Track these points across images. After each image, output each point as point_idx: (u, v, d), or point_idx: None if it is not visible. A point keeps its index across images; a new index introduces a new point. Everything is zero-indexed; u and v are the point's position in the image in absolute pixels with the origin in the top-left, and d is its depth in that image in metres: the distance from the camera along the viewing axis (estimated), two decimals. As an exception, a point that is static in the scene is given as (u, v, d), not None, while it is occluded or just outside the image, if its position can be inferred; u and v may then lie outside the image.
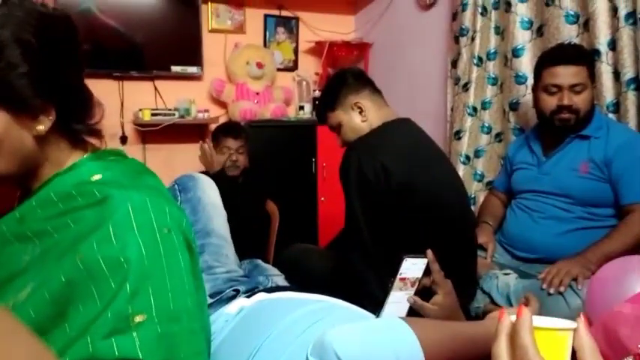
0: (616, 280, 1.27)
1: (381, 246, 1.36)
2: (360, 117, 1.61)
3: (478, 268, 1.76)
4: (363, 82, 1.66)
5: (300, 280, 1.56)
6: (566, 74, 1.76)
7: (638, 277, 1.24)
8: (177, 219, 0.82)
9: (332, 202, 3.03)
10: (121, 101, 2.94)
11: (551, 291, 1.53)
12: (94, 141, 0.89)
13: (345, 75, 1.68)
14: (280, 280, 1.49)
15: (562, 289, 1.53)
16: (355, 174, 1.41)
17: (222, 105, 3.17)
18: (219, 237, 1.34)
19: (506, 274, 1.76)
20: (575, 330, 0.50)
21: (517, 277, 1.72)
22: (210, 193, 1.41)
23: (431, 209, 1.42)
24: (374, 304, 1.19)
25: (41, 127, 0.78)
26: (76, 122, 0.83)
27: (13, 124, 0.76)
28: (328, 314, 0.99)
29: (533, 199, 1.89)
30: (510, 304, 1.61)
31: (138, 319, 0.70)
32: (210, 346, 0.88)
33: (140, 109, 2.86)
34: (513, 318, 0.51)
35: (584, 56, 1.81)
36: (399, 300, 1.08)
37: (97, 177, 0.82)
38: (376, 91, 1.67)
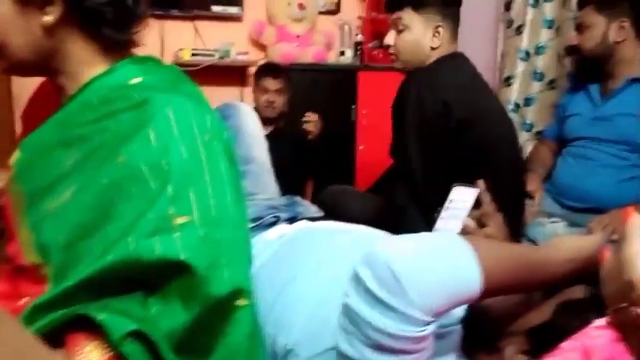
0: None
1: (432, 184, 1.31)
2: (432, 42, 1.48)
3: (525, 216, 1.69)
4: (457, 12, 1.53)
5: (339, 220, 1.53)
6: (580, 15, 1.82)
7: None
8: (219, 128, 0.79)
9: (371, 150, 2.97)
10: (161, 41, 2.91)
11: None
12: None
13: None
14: (320, 215, 1.46)
15: (615, 236, 1.45)
16: (413, 108, 1.33)
17: (262, 47, 3.11)
18: (259, 165, 1.31)
19: (554, 222, 1.69)
20: None
21: (566, 225, 1.65)
22: (250, 121, 1.37)
23: (486, 148, 1.36)
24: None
25: (48, 18, 0.75)
26: (106, 26, 0.79)
27: (19, 12, 0.74)
28: (374, 240, 0.95)
29: (588, 147, 1.80)
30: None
31: (179, 220, 0.68)
32: (251, 260, 0.86)
33: (180, 49, 2.83)
34: None
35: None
36: (445, 230, 1.03)
37: (136, 80, 0.79)
38: (456, 30, 1.54)
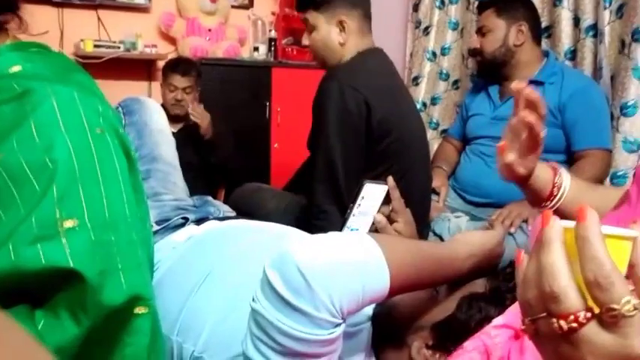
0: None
1: (353, 183, 1.32)
2: (340, 37, 1.47)
3: (430, 211, 1.75)
4: (364, 3, 1.52)
5: (252, 218, 1.50)
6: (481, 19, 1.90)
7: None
8: (112, 121, 0.73)
9: (286, 148, 2.95)
10: (60, 30, 2.71)
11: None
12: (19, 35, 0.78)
13: None
14: (232, 215, 1.42)
15: (512, 229, 1.54)
16: (336, 107, 1.32)
17: (172, 41, 2.99)
18: (166, 163, 1.25)
19: (457, 216, 1.76)
20: (635, 239, 0.40)
21: (469, 220, 1.73)
22: (156, 118, 1.30)
23: (402, 147, 1.39)
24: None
25: None
26: None
27: None
28: (286, 238, 0.94)
29: (487, 145, 1.89)
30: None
31: (67, 224, 0.62)
32: (152, 265, 0.81)
33: (82, 40, 2.65)
34: (565, 223, 0.41)
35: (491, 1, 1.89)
36: (357, 227, 1.04)
37: (15, 69, 0.72)
38: (368, 16, 1.54)
